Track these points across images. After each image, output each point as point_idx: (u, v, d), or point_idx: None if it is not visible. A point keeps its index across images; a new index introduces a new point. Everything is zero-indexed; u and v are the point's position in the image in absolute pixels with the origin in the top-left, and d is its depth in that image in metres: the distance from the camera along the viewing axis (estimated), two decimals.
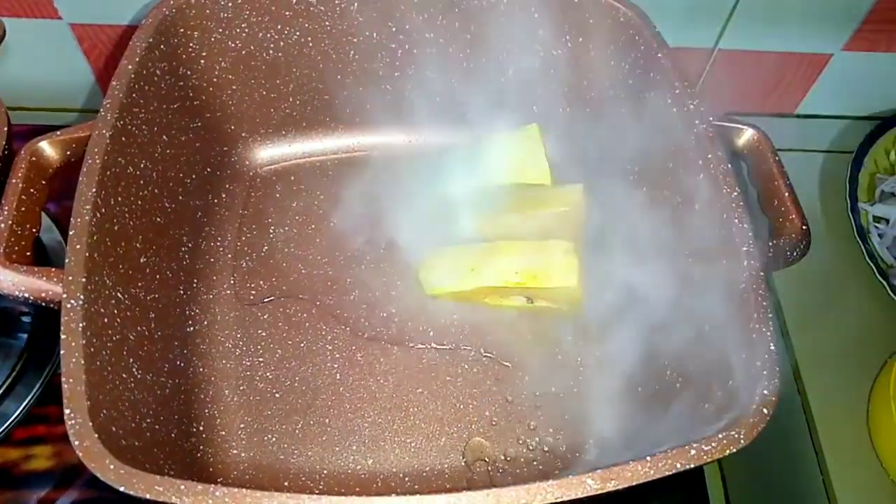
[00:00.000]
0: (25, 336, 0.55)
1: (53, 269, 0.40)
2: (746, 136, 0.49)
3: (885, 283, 0.57)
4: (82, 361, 0.36)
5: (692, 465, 0.35)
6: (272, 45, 0.55)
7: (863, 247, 0.58)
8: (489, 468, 0.48)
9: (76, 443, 0.34)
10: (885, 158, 0.65)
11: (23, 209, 0.42)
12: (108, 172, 0.43)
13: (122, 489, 0.33)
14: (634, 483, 0.35)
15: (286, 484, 0.47)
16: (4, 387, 0.53)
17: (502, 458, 0.49)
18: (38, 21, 0.61)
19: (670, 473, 0.35)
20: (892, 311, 0.58)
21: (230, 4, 0.52)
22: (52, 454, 0.52)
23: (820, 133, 0.72)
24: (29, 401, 0.53)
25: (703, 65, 0.67)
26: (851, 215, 0.60)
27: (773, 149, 0.49)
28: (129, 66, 0.46)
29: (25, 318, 0.56)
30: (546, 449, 0.49)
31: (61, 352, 0.37)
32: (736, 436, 0.36)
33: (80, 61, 0.66)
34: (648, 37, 0.51)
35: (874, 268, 0.57)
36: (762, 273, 0.42)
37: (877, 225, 0.62)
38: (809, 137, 0.71)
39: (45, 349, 0.55)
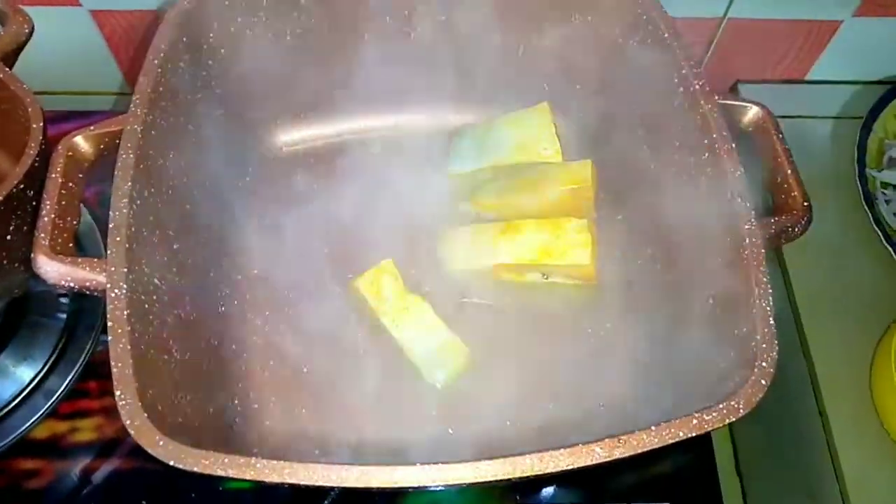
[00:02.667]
0: (64, 316, 0.58)
1: (96, 260, 0.42)
2: (751, 114, 0.50)
3: (891, 248, 0.57)
4: (129, 346, 0.39)
5: (695, 434, 0.38)
6: (289, 32, 0.57)
7: (870, 213, 0.59)
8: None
9: (128, 422, 0.37)
10: (894, 123, 0.65)
11: (63, 202, 0.44)
12: (141, 166, 0.45)
13: (171, 463, 0.36)
14: (640, 451, 0.37)
15: (317, 452, 0.50)
16: (49, 364, 0.56)
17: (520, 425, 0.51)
18: (59, 9, 0.63)
19: (674, 441, 0.38)
20: None
21: None
22: (96, 427, 0.55)
23: (830, 99, 0.72)
24: (72, 377, 0.56)
25: (713, 34, 0.68)
26: (859, 181, 0.61)
27: (777, 126, 0.50)
28: (155, 62, 0.48)
29: (63, 300, 0.59)
30: (562, 415, 0.51)
31: (108, 338, 0.39)
32: (735, 405, 0.38)
33: (101, 46, 0.67)
34: (656, 17, 0.52)
35: (881, 234, 0.58)
36: (763, 250, 0.43)
37: (884, 191, 0.62)
38: (819, 103, 0.71)
39: (84, 327, 0.58)
